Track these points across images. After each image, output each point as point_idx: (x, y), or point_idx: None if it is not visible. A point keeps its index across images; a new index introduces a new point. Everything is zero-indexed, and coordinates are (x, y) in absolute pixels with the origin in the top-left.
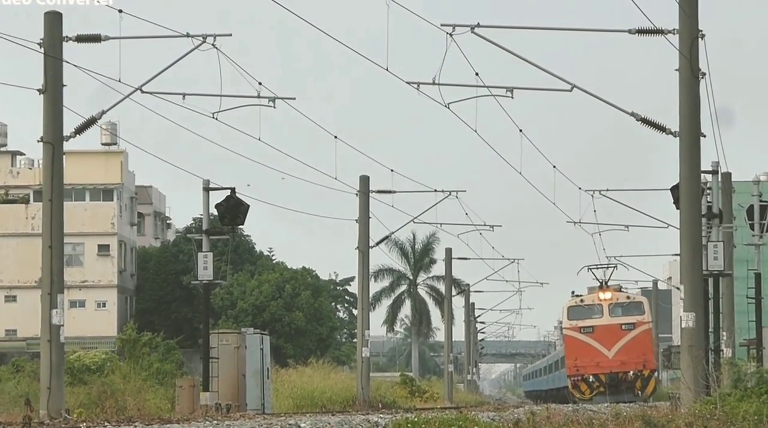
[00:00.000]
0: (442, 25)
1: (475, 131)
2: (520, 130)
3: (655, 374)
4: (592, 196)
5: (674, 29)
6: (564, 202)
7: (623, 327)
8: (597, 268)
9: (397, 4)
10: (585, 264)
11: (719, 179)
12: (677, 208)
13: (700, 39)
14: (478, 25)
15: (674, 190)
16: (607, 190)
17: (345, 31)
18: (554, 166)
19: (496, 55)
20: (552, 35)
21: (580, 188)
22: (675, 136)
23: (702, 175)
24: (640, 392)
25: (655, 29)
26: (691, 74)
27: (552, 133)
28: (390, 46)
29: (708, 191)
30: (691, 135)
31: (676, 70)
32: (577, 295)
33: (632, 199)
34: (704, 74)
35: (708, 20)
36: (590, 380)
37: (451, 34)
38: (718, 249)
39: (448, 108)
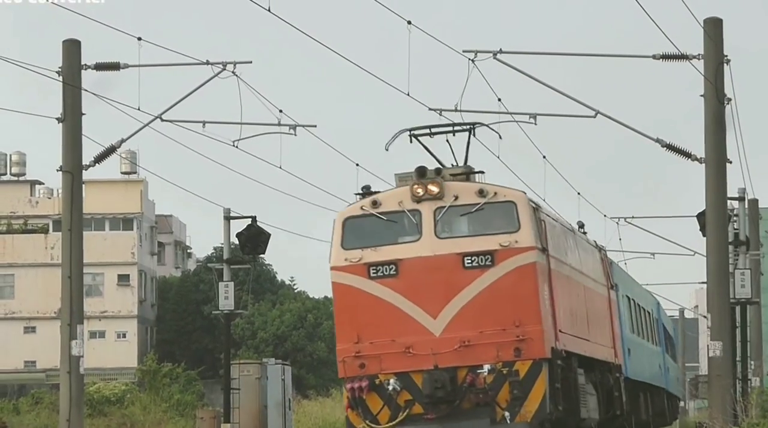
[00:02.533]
0: (464, 50)
1: (498, 157)
2: (544, 157)
3: (545, 365)
4: (617, 223)
5: (699, 54)
6: (589, 229)
7: (467, 262)
8: (429, 131)
9: (419, 29)
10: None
11: (746, 206)
12: (704, 235)
13: (725, 64)
14: (501, 51)
15: (700, 216)
16: (633, 217)
17: (366, 57)
18: (579, 193)
19: (518, 81)
20: (575, 61)
21: (605, 215)
22: (701, 163)
23: (729, 201)
24: (507, 412)
25: (679, 54)
26: (716, 99)
27: (576, 160)
28: (411, 72)
29: (735, 218)
30: (717, 161)
31: (701, 95)
32: (367, 192)
33: (658, 226)
34: (729, 100)
35: (734, 45)
36: (389, 388)
37: (473, 60)
38: (745, 276)
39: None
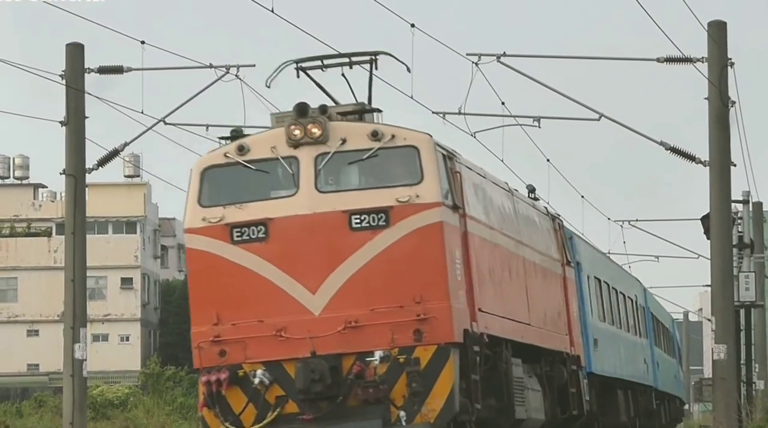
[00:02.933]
0: (467, 54)
1: (502, 161)
2: (548, 160)
3: (454, 352)
4: (621, 226)
5: (703, 57)
6: (593, 232)
7: (355, 222)
8: (321, 63)
9: (423, 32)
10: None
11: (750, 208)
12: (708, 238)
13: (729, 67)
14: (504, 54)
15: (704, 219)
16: (637, 220)
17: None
18: (582, 196)
19: (522, 84)
20: (579, 64)
21: (609, 218)
22: (705, 166)
23: (733, 204)
24: (402, 412)
25: (683, 58)
26: (720, 102)
27: (580, 163)
28: (415, 75)
29: (739, 221)
30: (721, 164)
31: (706, 98)
32: (236, 135)
33: (662, 229)
34: (734, 102)
35: (738, 47)
36: (255, 382)
37: (476, 63)
38: (749, 279)
39: (475, 137)
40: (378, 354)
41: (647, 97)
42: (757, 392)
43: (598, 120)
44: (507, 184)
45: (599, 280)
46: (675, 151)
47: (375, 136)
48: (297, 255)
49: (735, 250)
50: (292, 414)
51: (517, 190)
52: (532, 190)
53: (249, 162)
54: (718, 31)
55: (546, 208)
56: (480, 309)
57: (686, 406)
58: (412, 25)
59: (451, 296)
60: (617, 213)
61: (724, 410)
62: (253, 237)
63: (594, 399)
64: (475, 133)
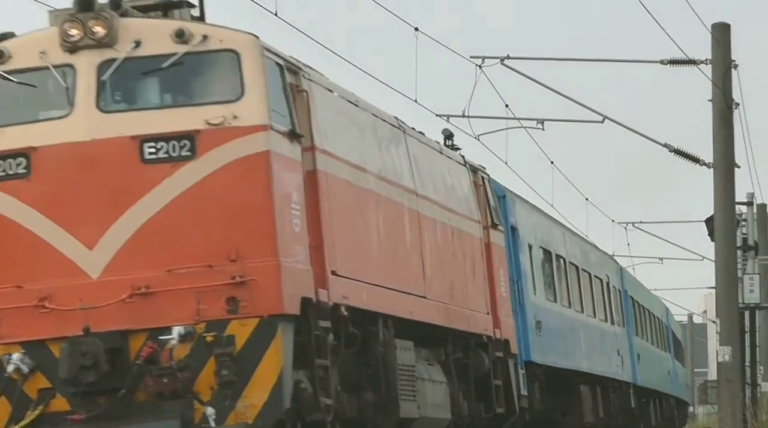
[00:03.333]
0: (471, 57)
1: (506, 163)
2: (552, 162)
3: (284, 327)
4: (625, 228)
5: (707, 59)
6: (597, 234)
7: (149, 152)
8: None
9: (426, 36)
10: None
11: (755, 210)
12: (712, 240)
13: (733, 69)
14: (508, 57)
15: (709, 221)
16: (641, 222)
17: (373, 63)
18: (587, 199)
19: (526, 87)
20: (583, 66)
21: (613, 221)
22: (709, 167)
23: (737, 206)
24: (210, 409)
25: (687, 59)
26: (724, 104)
27: (584, 165)
28: (419, 79)
29: (743, 223)
30: (725, 166)
31: (709, 100)
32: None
33: (666, 232)
34: (738, 104)
35: (742, 49)
36: (9, 369)
37: (480, 66)
38: (754, 281)
39: (479, 140)
40: (177, 332)
41: (651, 99)
42: (762, 394)
43: (602, 122)
44: (398, 119)
45: (550, 253)
46: (679, 152)
47: (180, 36)
48: (69, 198)
49: (739, 252)
50: (60, 412)
51: (417, 131)
52: (448, 135)
53: (9, 72)
54: (721, 33)
55: (463, 155)
56: (334, 273)
57: (691, 408)
58: (416, 29)
59: (280, 252)
60: (621, 215)
61: (729, 412)
62: (10, 173)
63: (537, 394)
64: (479, 135)
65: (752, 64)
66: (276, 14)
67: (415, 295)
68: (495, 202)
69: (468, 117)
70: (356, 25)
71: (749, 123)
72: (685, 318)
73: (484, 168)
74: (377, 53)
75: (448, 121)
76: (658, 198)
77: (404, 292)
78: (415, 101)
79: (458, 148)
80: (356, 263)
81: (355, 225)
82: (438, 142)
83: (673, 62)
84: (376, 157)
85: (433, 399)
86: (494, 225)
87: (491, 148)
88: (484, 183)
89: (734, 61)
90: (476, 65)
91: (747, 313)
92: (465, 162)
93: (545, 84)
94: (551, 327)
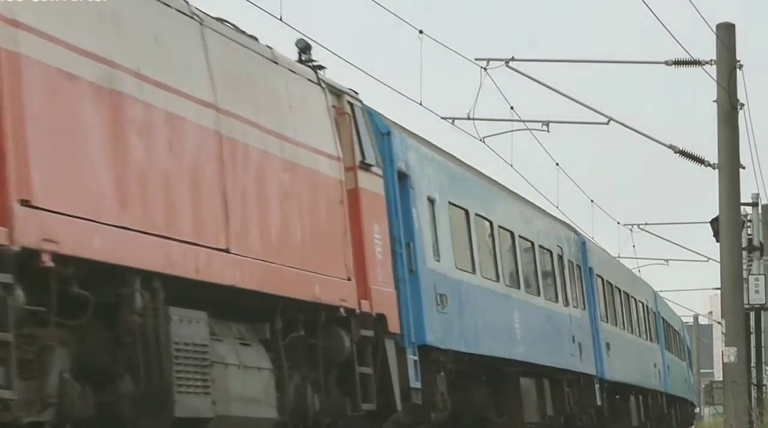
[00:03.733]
0: (476, 59)
1: (511, 166)
2: (557, 164)
3: None
4: (630, 230)
5: (711, 60)
6: (602, 236)
7: None
8: None
9: (431, 38)
10: None
11: (760, 211)
12: (717, 241)
13: (738, 69)
14: (513, 59)
15: (714, 222)
16: (646, 223)
17: (378, 66)
18: (592, 200)
19: (531, 89)
20: (588, 68)
21: (618, 222)
22: (714, 169)
23: (742, 207)
24: None
25: (692, 60)
26: (729, 105)
27: (589, 167)
28: (424, 81)
29: (748, 223)
30: (730, 167)
31: (714, 101)
32: None
33: (672, 233)
34: (743, 105)
35: (747, 49)
36: None
37: (485, 68)
38: (759, 282)
39: (484, 142)
40: None
41: (656, 100)
42: (767, 395)
43: (607, 124)
44: (197, 9)
45: (466, 212)
46: (684, 154)
47: None
48: None
49: (744, 253)
50: None
51: (243, 33)
52: (303, 48)
53: None
54: (726, 34)
55: (317, 71)
56: (27, 203)
57: (697, 409)
58: (421, 32)
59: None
60: (627, 217)
61: (735, 413)
62: None
63: (442, 387)
64: (484, 137)
65: (757, 65)
66: (281, 19)
67: (208, 247)
68: (370, 137)
69: (473, 119)
70: (361, 29)
71: (754, 124)
72: (690, 319)
73: (357, 92)
74: (382, 56)
75: (453, 124)
76: (663, 199)
77: (185, 242)
78: (420, 104)
79: (322, 68)
80: (83, 193)
81: (84, 138)
82: (271, 48)
83: (678, 63)
84: (135, 49)
85: (243, 391)
86: (365, 167)
87: (496, 150)
88: (352, 110)
89: (739, 61)
90: (481, 67)
91: (752, 314)
92: (319, 80)
93: (550, 86)
94: (464, 303)
